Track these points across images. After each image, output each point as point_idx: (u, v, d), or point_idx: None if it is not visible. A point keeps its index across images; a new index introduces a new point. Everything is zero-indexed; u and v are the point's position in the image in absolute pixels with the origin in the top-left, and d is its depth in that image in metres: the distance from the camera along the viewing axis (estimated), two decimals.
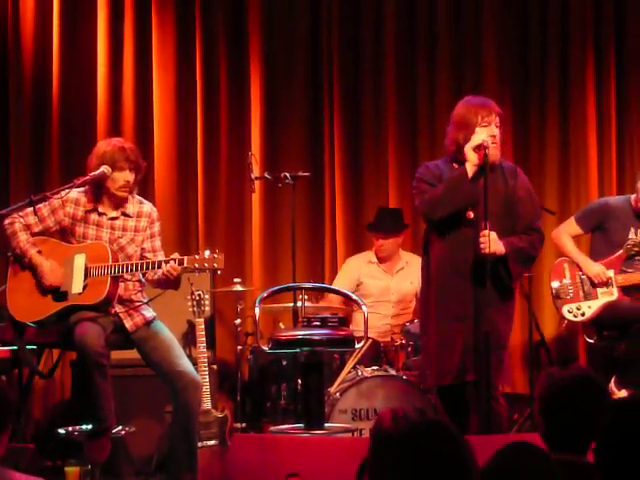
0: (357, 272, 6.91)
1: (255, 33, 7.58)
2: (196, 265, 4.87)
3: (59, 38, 7.37)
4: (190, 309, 6.13)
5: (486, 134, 5.03)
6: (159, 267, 4.92)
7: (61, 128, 7.35)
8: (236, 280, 6.69)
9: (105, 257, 5.02)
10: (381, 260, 6.92)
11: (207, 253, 4.90)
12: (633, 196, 6.34)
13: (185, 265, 4.87)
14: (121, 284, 5.12)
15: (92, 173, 5.09)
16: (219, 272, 5.05)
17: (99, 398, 4.96)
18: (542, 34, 7.66)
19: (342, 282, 6.86)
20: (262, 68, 7.57)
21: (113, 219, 5.20)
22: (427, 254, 5.27)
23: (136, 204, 5.27)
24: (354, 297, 5.84)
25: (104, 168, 5.09)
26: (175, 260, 4.89)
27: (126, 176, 5.15)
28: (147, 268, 4.98)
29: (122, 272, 4.99)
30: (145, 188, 7.01)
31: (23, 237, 5.13)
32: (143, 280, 5.22)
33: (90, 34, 7.41)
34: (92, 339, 4.88)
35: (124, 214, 5.22)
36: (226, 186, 7.51)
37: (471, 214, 5.07)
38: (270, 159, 7.46)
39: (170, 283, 5.02)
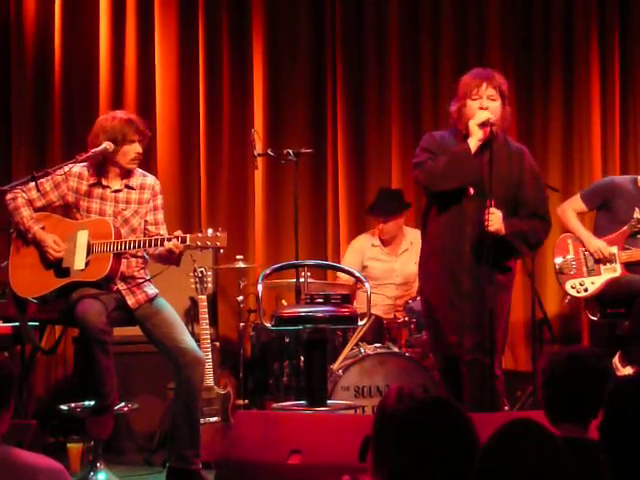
0: (361, 254, 6.90)
1: (258, 9, 7.55)
2: (199, 243, 4.86)
3: (61, 15, 7.35)
4: (193, 286, 6.13)
5: (477, 107, 4.98)
6: (162, 244, 4.91)
7: (63, 105, 7.33)
8: (238, 257, 6.68)
9: (108, 234, 5.01)
10: (384, 243, 6.90)
11: (210, 231, 4.88)
12: (638, 177, 6.32)
13: (188, 243, 4.86)
14: (124, 261, 5.11)
15: (94, 149, 5.07)
16: (221, 251, 5.03)
17: (101, 375, 4.96)
18: (546, 11, 7.63)
19: (347, 263, 6.84)
20: (265, 44, 7.55)
21: (117, 192, 5.19)
22: (426, 229, 5.24)
23: (139, 176, 5.26)
24: (357, 274, 5.83)
25: (106, 144, 5.07)
26: (178, 238, 4.87)
27: (137, 148, 5.14)
28: (150, 245, 4.96)
29: (124, 249, 4.98)
30: (147, 164, 7.00)
31: (26, 213, 5.11)
32: (147, 257, 5.22)
33: (92, 10, 7.39)
34: (94, 316, 4.88)
35: (127, 186, 5.20)
36: (229, 163, 7.50)
37: (471, 190, 5.03)
38: (273, 136, 7.45)
39: (171, 259, 5.01)
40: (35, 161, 7.12)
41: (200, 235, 4.87)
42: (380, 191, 6.97)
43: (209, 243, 4.85)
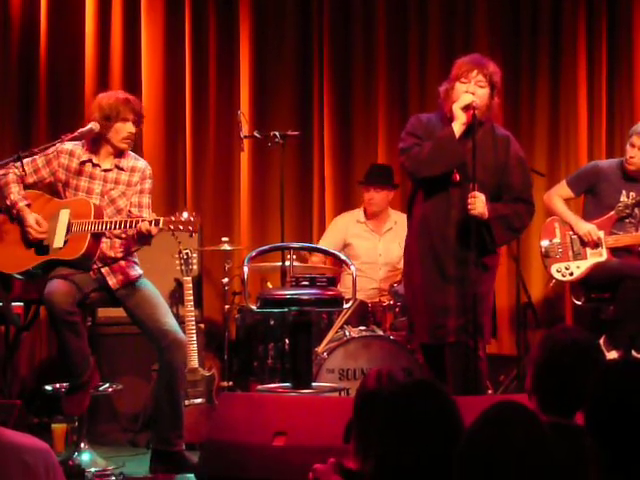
0: (344, 231, 6.89)
1: None
2: (171, 227, 4.86)
3: None
4: (178, 268, 6.12)
5: (463, 90, 4.98)
6: (136, 226, 4.90)
7: (48, 85, 7.28)
8: (224, 239, 6.67)
9: (87, 213, 5.02)
10: (370, 216, 6.89)
11: (185, 215, 4.89)
12: (623, 158, 6.33)
13: (161, 226, 4.86)
14: (107, 241, 5.11)
15: (80, 129, 5.08)
16: (193, 235, 5.04)
17: (71, 355, 4.99)
18: None
19: (328, 240, 6.84)
20: (252, 26, 7.52)
21: (106, 171, 5.19)
22: (411, 214, 5.25)
23: (131, 159, 5.27)
24: (343, 257, 5.84)
25: (92, 124, 5.08)
26: (151, 221, 4.87)
27: (129, 127, 5.14)
28: (125, 226, 4.96)
29: (101, 229, 4.98)
30: (133, 146, 6.98)
31: (15, 189, 5.14)
32: (122, 237, 5.20)
33: None
34: (59, 297, 4.90)
35: (118, 167, 5.20)
36: (215, 145, 7.47)
37: (457, 176, 5.03)
38: (259, 118, 7.43)
39: (143, 240, 5.01)
40: (20, 142, 7.08)
41: (173, 219, 4.87)
42: (372, 165, 7.00)
43: (181, 227, 4.86)
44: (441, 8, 7.61)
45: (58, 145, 5.16)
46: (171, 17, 7.46)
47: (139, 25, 7.39)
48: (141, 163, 5.30)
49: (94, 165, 5.18)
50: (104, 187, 5.18)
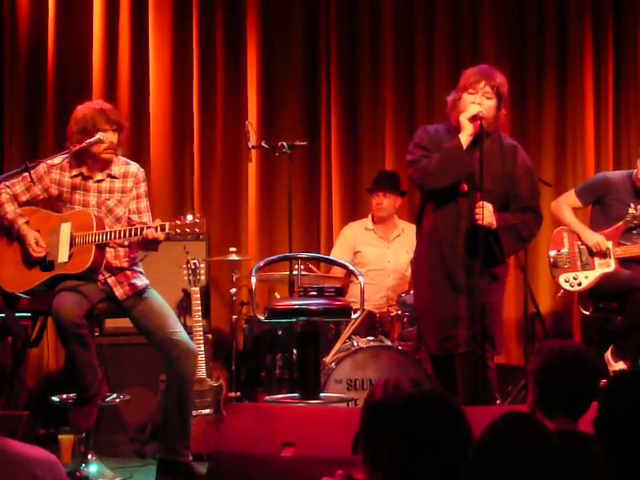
0: (353, 240, 6.90)
1: (253, 1, 7.52)
2: (178, 230, 4.86)
3: (55, 3, 7.30)
4: (185, 278, 6.12)
5: (471, 101, 4.99)
6: (142, 233, 4.89)
7: (56, 94, 7.29)
8: (232, 249, 6.67)
9: (89, 225, 5.00)
10: (378, 221, 6.88)
11: (189, 218, 4.88)
12: (634, 171, 6.32)
13: (167, 231, 4.85)
14: (111, 251, 5.10)
15: (88, 140, 5.06)
16: (201, 237, 5.04)
17: (80, 367, 4.97)
18: (540, 5, 7.63)
19: (339, 252, 6.85)
20: (259, 36, 7.53)
21: (99, 182, 5.17)
22: (421, 224, 5.24)
23: (122, 165, 5.24)
24: (351, 267, 5.83)
25: (100, 135, 5.06)
26: (157, 227, 4.86)
27: (110, 137, 5.11)
28: (131, 234, 4.94)
29: (106, 239, 4.96)
30: (140, 156, 7.00)
31: (10, 208, 5.11)
32: (125, 245, 5.19)
33: None
34: (67, 310, 4.88)
35: (110, 176, 5.19)
36: (222, 155, 7.48)
37: (465, 187, 5.03)
38: (267, 128, 7.43)
39: (149, 246, 5.01)
40: (28, 151, 7.09)
41: (179, 222, 4.87)
42: (381, 172, 7.01)
43: (188, 230, 4.86)
44: (448, 19, 7.62)
45: (58, 159, 5.15)
46: (179, 27, 7.47)
47: (147, 34, 7.40)
48: (132, 167, 5.27)
49: (85, 178, 5.16)
50: (99, 198, 5.16)
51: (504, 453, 2.13)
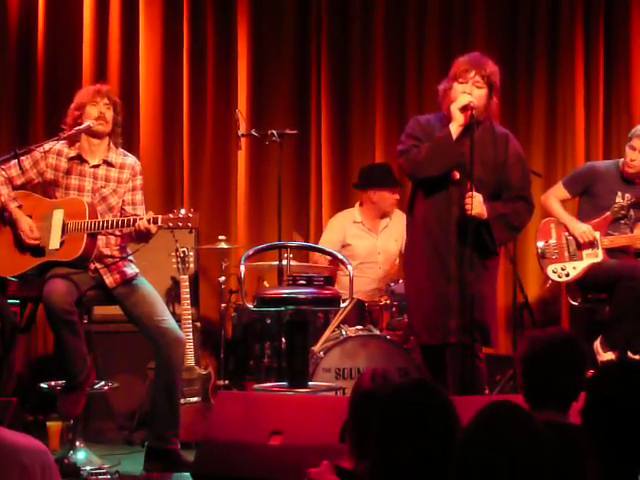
0: (342, 232, 6.85)
1: None
2: (170, 224, 4.87)
3: None
4: (174, 266, 6.13)
5: (461, 90, 4.99)
6: (134, 224, 4.90)
7: (46, 82, 7.27)
8: (221, 238, 6.66)
9: (82, 213, 5.00)
10: (377, 215, 6.83)
11: (183, 212, 4.91)
12: (620, 160, 6.34)
13: (160, 224, 4.86)
14: (102, 239, 5.11)
15: (77, 127, 5.07)
16: (193, 231, 5.04)
17: (69, 354, 4.97)
18: None
19: (327, 242, 6.83)
20: (249, 24, 7.52)
21: (95, 167, 5.18)
22: (412, 213, 5.25)
23: (120, 155, 5.26)
24: (340, 256, 5.82)
25: (89, 122, 5.07)
26: (150, 219, 4.87)
27: (100, 108, 5.13)
28: (123, 225, 4.95)
29: (98, 229, 4.97)
30: (130, 144, 6.96)
31: (4, 191, 5.11)
32: (117, 235, 5.19)
33: None
34: (58, 296, 4.88)
35: (106, 162, 5.19)
36: (212, 143, 7.47)
37: (457, 175, 5.04)
38: (257, 116, 7.43)
39: (142, 238, 5.01)
40: (17, 139, 7.07)
41: (172, 216, 4.88)
42: (382, 166, 6.92)
43: (180, 224, 4.88)
44: (439, 9, 7.61)
45: (47, 146, 5.15)
46: (169, 16, 7.45)
47: (137, 23, 7.38)
48: (130, 159, 5.29)
49: (82, 162, 5.17)
50: (94, 184, 5.17)
51: (491, 441, 2.13)
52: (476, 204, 4.89)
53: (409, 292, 5.32)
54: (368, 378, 3.12)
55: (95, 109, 5.13)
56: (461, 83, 5.01)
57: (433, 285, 5.07)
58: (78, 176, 5.16)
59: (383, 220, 6.87)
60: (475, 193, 4.89)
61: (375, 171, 6.82)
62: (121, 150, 5.30)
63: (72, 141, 5.18)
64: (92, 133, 5.16)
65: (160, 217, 4.87)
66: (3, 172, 5.13)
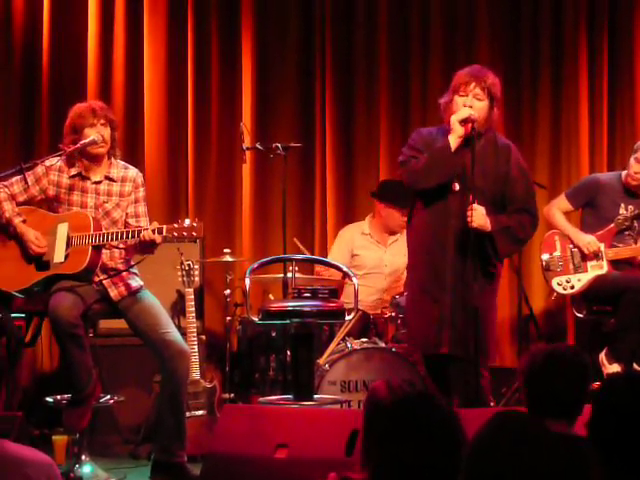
0: (351, 243, 6.88)
1: (247, 3, 7.53)
2: (175, 234, 4.87)
3: (50, 8, 7.29)
4: (179, 279, 6.12)
5: (462, 103, 5.00)
6: (139, 235, 4.90)
7: (50, 98, 7.28)
8: (226, 251, 6.67)
9: (87, 226, 5.01)
10: (390, 233, 6.84)
11: (187, 222, 4.91)
12: (624, 172, 6.35)
13: (164, 234, 4.86)
14: (106, 252, 5.11)
15: (82, 141, 5.08)
16: (197, 241, 5.04)
17: (75, 368, 4.97)
18: (535, 8, 7.64)
19: (337, 253, 6.84)
20: (254, 38, 7.53)
21: (97, 183, 5.19)
22: (411, 223, 5.27)
23: (121, 169, 5.26)
24: (344, 269, 5.83)
25: (94, 136, 5.08)
26: (154, 229, 4.87)
27: (99, 130, 5.13)
28: (128, 237, 4.96)
29: (103, 241, 4.97)
30: (135, 157, 7.01)
31: (8, 207, 5.12)
32: (122, 248, 5.20)
33: (81, 2, 7.34)
34: (64, 310, 4.88)
35: (108, 178, 5.20)
36: (217, 156, 7.48)
37: (456, 186, 5.05)
38: (261, 129, 7.43)
39: (146, 249, 5.01)
40: (22, 153, 7.08)
41: (176, 226, 4.89)
42: (396, 183, 6.89)
43: (185, 233, 4.87)
44: (443, 21, 7.62)
45: (54, 160, 5.16)
46: (174, 30, 7.47)
47: (142, 35, 7.40)
48: (131, 172, 5.29)
49: (84, 178, 5.18)
50: (97, 200, 5.17)
51: (500, 452, 2.13)
52: (478, 216, 4.90)
53: (407, 301, 5.34)
54: (384, 389, 3.10)
55: (94, 131, 5.12)
56: (461, 96, 5.02)
57: (427, 295, 5.08)
58: (80, 192, 5.17)
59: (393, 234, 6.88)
60: (477, 205, 4.90)
61: (393, 187, 6.74)
62: (122, 163, 5.30)
63: (72, 161, 5.18)
64: (92, 155, 5.16)
65: (165, 227, 4.88)
66: (6, 189, 5.14)
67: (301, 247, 6.81)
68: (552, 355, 3.13)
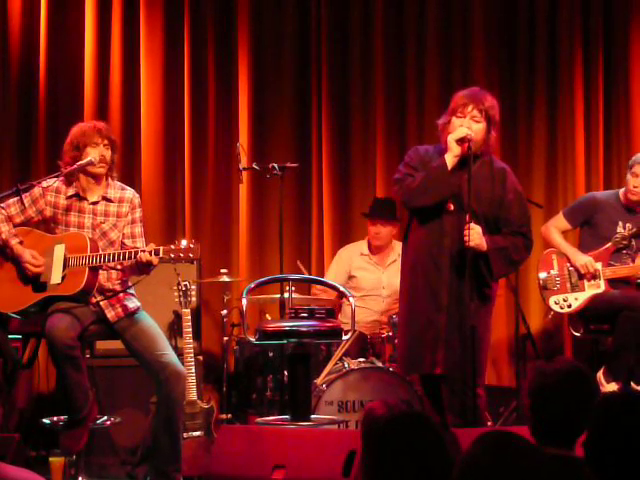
0: (348, 264, 6.90)
1: (243, 24, 7.56)
2: (172, 255, 4.86)
3: (46, 24, 7.32)
4: (176, 299, 6.12)
5: (459, 125, 5.01)
6: (136, 257, 4.90)
7: (47, 117, 7.30)
8: (223, 271, 6.67)
9: (84, 247, 5.00)
10: (375, 250, 6.90)
11: (184, 243, 4.89)
12: (621, 190, 6.37)
13: (161, 255, 4.86)
14: (103, 273, 5.10)
15: (79, 162, 5.07)
16: (194, 262, 5.02)
17: (72, 390, 4.95)
18: (530, 27, 7.67)
19: (334, 273, 6.86)
20: (250, 59, 7.56)
21: (94, 204, 5.17)
22: (406, 242, 5.27)
23: (118, 189, 5.25)
24: (341, 289, 5.83)
25: (91, 157, 5.07)
26: (151, 251, 4.87)
27: (101, 150, 5.13)
28: (124, 258, 4.95)
29: (100, 262, 4.96)
30: (132, 178, 7.02)
31: (5, 228, 5.11)
32: (118, 269, 5.19)
33: (77, 21, 7.37)
34: (60, 331, 4.86)
35: (105, 198, 5.19)
36: (213, 176, 7.50)
37: (451, 206, 5.06)
38: (258, 150, 7.45)
39: (143, 270, 5.01)
40: (19, 172, 7.10)
41: (173, 247, 4.87)
42: (377, 199, 7.00)
43: (182, 255, 4.86)
44: (438, 41, 7.65)
45: (50, 181, 5.16)
46: (170, 50, 7.49)
47: (138, 57, 7.42)
48: (128, 193, 5.28)
49: (81, 199, 5.17)
50: (94, 220, 5.16)
51: (492, 469, 2.13)
52: (475, 236, 4.91)
53: (400, 322, 5.33)
54: (382, 408, 3.09)
55: (96, 151, 5.11)
56: (459, 117, 5.04)
57: (422, 314, 5.08)
58: (77, 213, 5.16)
59: (392, 254, 6.89)
60: (474, 225, 4.91)
61: (374, 204, 6.89)
62: (119, 184, 5.29)
63: (70, 180, 5.18)
64: (91, 175, 5.16)
65: (162, 248, 4.87)
66: (3, 210, 5.14)
67: (303, 270, 6.82)
68: (562, 375, 3.07)
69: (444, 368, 5.01)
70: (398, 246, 6.90)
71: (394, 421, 2.56)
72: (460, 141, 4.97)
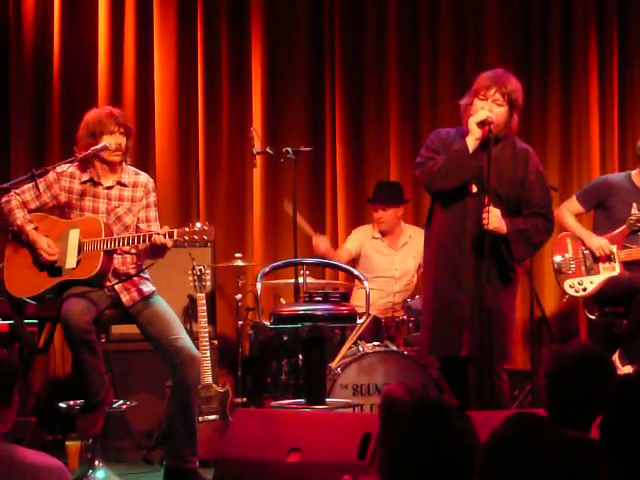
0: (361, 243, 6.94)
1: (257, 8, 7.55)
2: (186, 238, 4.86)
3: (60, 14, 7.32)
4: (191, 284, 6.13)
5: (481, 107, 4.98)
6: (150, 240, 4.90)
7: (62, 103, 7.31)
8: (237, 255, 6.68)
9: (98, 231, 5.01)
10: (382, 234, 6.91)
11: (198, 225, 4.89)
12: (634, 172, 6.34)
13: (175, 238, 4.86)
14: (118, 257, 5.11)
15: (94, 147, 5.08)
16: (208, 245, 5.02)
17: (88, 373, 4.96)
18: (545, 11, 7.64)
19: (348, 247, 6.90)
20: (263, 43, 7.55)
21: (109, 188, 5.18)
22: (429, 225, 5.25)
23: (132, 174, 5.26)
24: (355, 272, 5.83)
25: (106, 142, 5.08)
26: (165, 233, 4.87)
27: (117, 139, 5.13)
28: (139, 241, 4.96)
29: (114, 246, 4.97)
30: (146, 163, 7.02)
31: (20, 214, 5.12)
32: (133, 253, 5.20)
33: (91, 5, 7.37)
34: (76, 315, 4.87)
35: (119, 183, 5.20)
36: (227, 161, 7.50)
37: (474, 188, 5.03)
38: (272, 134, 7.44)
39: (157, 253, 5.01)
40: (34, 159, 7.11)
41: (187, 229, 4.87)
42: (379, 182, 7.00)
43: (196, 237, 4.86)
44: (452, 25, 7.63)
45: (65, 167, 5.17)
46: (183, 34, 7.49)
47: (152, 43, 7.42)
48: (142, 177, 5.29)
49: (95, 184, 5.18)
50: (109, 205, 5.17)
51: (511, 453, 2.13)
52: (493, 219, 4.88)
53: (424, 304, 5.31)
54: (401, 391, 3.08)
55: (112, 139, 5.12)
56: (481, 100, 5.00)
57: (447, 297, 5.06)
58: (92, 198, 5.17)
59: (403, 237, 6.90)
60: (492, 208, 4.88)
61: (376, 188, 6.95)
62: (133, 168, 5.29)
63: (85, 166, 5.19)
64: (107, 162, 5.17)
65: (176, 230, 4.87)
66: (18, 197, 5.15)
67: (304, 224, 6.79)
68: (580, 358, 3.04)
69: (469, 350, 5.00)
70: (408, 228, 6.95)
71: (414, 406, 2.56)
72: (481, 124, 4.94)
